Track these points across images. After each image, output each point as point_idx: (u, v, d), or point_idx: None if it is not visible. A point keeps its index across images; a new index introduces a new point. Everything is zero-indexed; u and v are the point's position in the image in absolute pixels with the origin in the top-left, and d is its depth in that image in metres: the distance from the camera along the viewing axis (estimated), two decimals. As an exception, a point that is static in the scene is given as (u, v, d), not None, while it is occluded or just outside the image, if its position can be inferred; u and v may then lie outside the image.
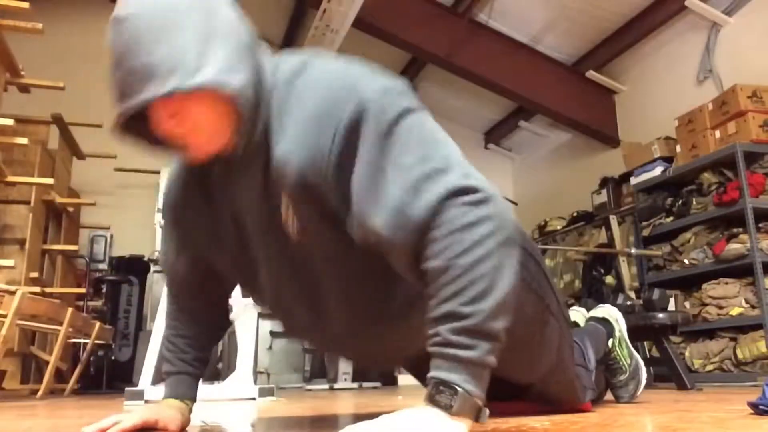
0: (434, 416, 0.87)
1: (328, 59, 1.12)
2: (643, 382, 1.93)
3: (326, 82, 1.05)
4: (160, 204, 5.92)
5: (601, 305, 2.08)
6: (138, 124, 1.05)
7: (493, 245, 0.91)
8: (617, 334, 1.92)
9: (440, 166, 0.95)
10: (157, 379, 3.16)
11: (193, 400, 1.34)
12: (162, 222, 1.38)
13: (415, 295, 1.06)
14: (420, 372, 1.35)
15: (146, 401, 2.65)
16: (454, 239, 0.91)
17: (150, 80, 0.95)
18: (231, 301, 3.08)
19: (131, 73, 0.96)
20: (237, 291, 2.59)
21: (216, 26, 1.01)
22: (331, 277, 1.13)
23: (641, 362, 1.95)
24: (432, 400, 0.88)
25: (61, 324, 3.54)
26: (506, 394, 1.73)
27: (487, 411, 0.91)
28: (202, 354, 1.37)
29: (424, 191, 0.92)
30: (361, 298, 1.15)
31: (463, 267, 0.90)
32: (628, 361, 1.92)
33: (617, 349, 1.90)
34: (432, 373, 0.90)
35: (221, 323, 1.47)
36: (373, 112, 0.99)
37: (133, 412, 1.22)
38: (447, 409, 0.87)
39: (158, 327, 2.92)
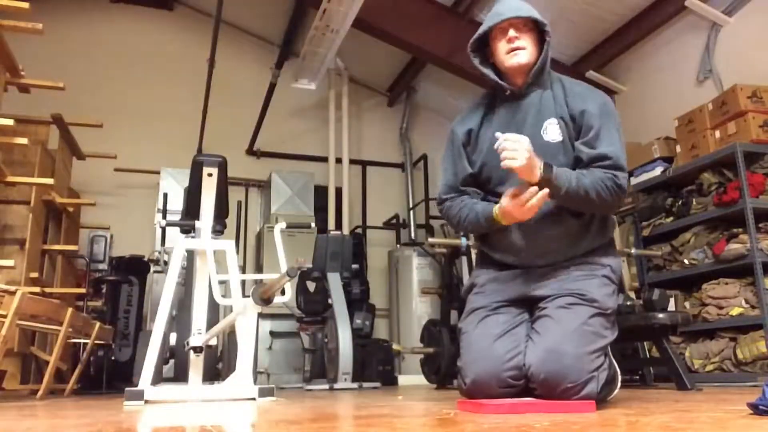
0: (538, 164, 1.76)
1: None
2: (616, 389, 1.97)
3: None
4: (160, 204, 5.93)
5: None
6: (482, 56, 2.00)
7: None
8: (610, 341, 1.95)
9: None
10: (157, 379, 3.16)
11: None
12: (453, 140, 2.04)
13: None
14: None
15: (146, 401, 2.65)
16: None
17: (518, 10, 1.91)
18: (230, 301, 3.06)
19: (512, 9, 1.90)
20: (237, 290, 2.58)
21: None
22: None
23: (618, 370, 1.98)
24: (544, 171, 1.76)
25: (61, 324, 3.54)
26: (512, 393, 1.75)
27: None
28: None
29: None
30: None
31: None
32: (610, 371, 1.94)
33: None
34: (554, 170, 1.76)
35: None
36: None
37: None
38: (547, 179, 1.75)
39: (158, 327, 2.92)
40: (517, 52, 1.88)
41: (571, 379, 1.67)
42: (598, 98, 1.92)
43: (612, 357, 1.94)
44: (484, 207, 1.92)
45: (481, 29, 1.95)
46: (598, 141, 1.84)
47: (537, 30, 1.92)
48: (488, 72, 1.98)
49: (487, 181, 1.99)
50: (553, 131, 1.89)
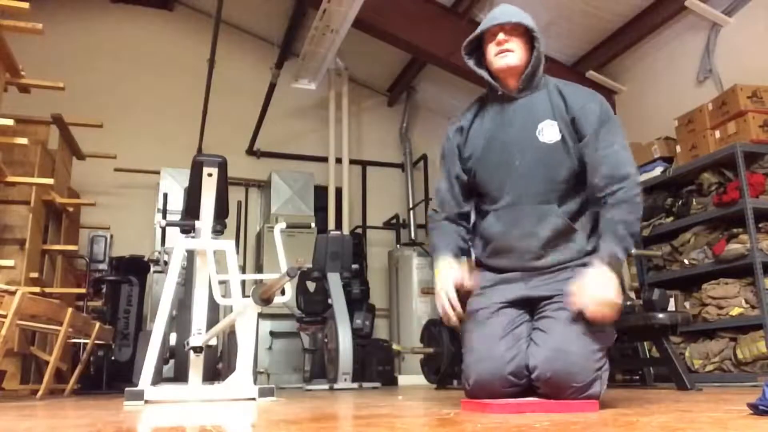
0: (608, 274, 1.74)
1: None
2: (605, 382, 1.97)
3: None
4: (160, 204, 5.93)
5: None
6: (476, 59, 2.05)
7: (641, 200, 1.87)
8: None
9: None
10: (157, 379, 3.16)
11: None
12: (445, 144, 2.09)
13: (567, 200, 1.91)
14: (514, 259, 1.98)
15: (146, 401, 2.65)
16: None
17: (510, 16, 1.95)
18: (230, 301, 3.06)
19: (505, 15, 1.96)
20: (237, 290, 2.58)
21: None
22: (542, 162, 1.90)
23: (607, 363, 1.98)
24: (608, 264, 1.76)
25: (61, 324, 3.54)
26: (515, 393, 1.75)
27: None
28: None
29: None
30: (546, 179, 1.91)
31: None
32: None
33: None
34: (608, 250, 1.78)
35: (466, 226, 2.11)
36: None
37: (444, 283, 1.90)
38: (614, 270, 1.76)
39: (158, 327, 2.92)
40: (505, 54, 1.93)
41: (578, 378, 1.68)
42: (597, 99, 1.95)
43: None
44: (440, 249, 2.02)
45: (475, 33, 2.01)
46: (607, 146, 1.86)
47: (528, 36, 1.97)
48: (483, 73, 2.03)
49: (483, 186, 2.01)
50: (550, 132, 1.91)
